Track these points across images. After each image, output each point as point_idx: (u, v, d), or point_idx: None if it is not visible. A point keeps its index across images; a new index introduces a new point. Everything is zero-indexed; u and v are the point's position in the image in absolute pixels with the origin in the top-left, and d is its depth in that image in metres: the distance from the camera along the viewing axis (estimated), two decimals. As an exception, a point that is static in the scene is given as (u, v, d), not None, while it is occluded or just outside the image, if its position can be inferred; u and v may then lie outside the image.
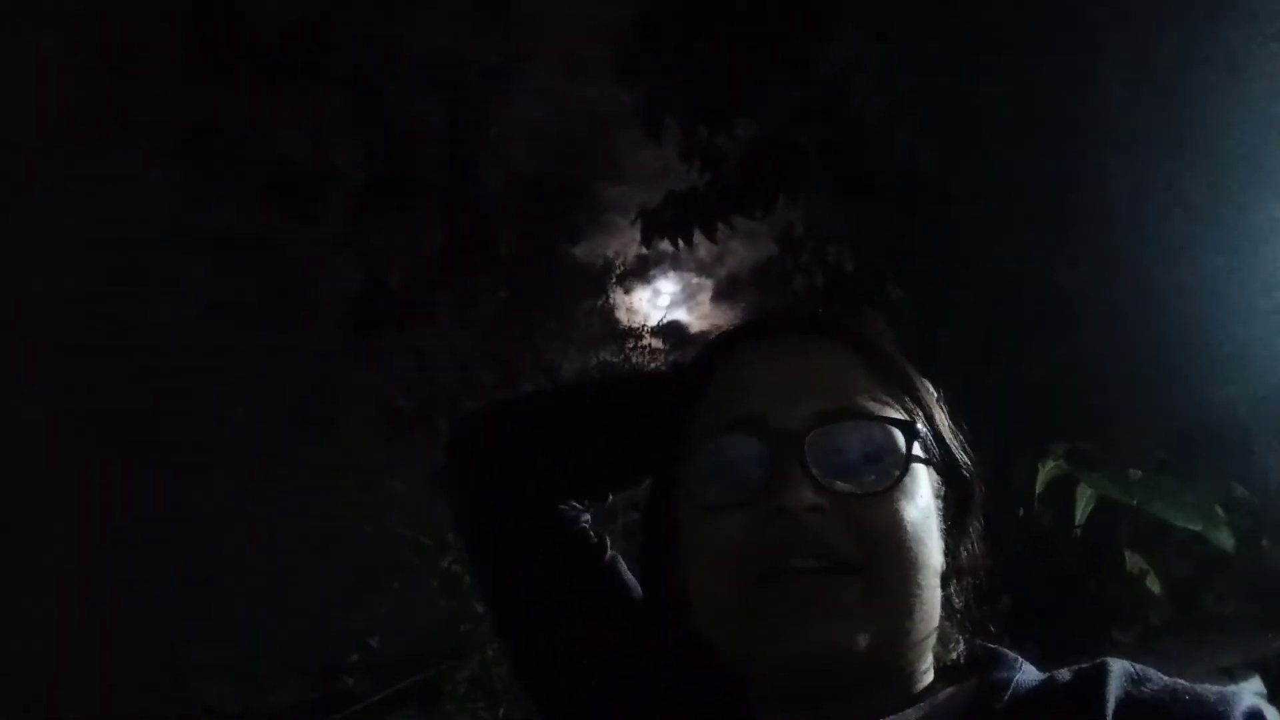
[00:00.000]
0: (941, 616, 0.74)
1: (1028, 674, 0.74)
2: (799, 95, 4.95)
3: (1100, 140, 3.62)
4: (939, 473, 0.76)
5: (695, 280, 12.36)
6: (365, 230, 10.57)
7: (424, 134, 10.57)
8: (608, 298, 11.79)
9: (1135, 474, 2.74)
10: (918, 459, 0.72)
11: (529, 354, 10.46)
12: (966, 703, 0.71)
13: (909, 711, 0.69)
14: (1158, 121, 3.44)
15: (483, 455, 0.89)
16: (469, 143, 10.76)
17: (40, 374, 11.36)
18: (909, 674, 0.72)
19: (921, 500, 0.71)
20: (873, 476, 0.69)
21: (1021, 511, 2.82)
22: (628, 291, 12.05)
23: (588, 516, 0.90)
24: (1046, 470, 2.78)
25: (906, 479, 0.70)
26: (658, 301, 12.51)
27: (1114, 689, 0.66)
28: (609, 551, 0.89)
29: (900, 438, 0.70)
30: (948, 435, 0.78)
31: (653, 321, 11.91)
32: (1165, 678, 0.69)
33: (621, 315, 11.98)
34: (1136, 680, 0.67)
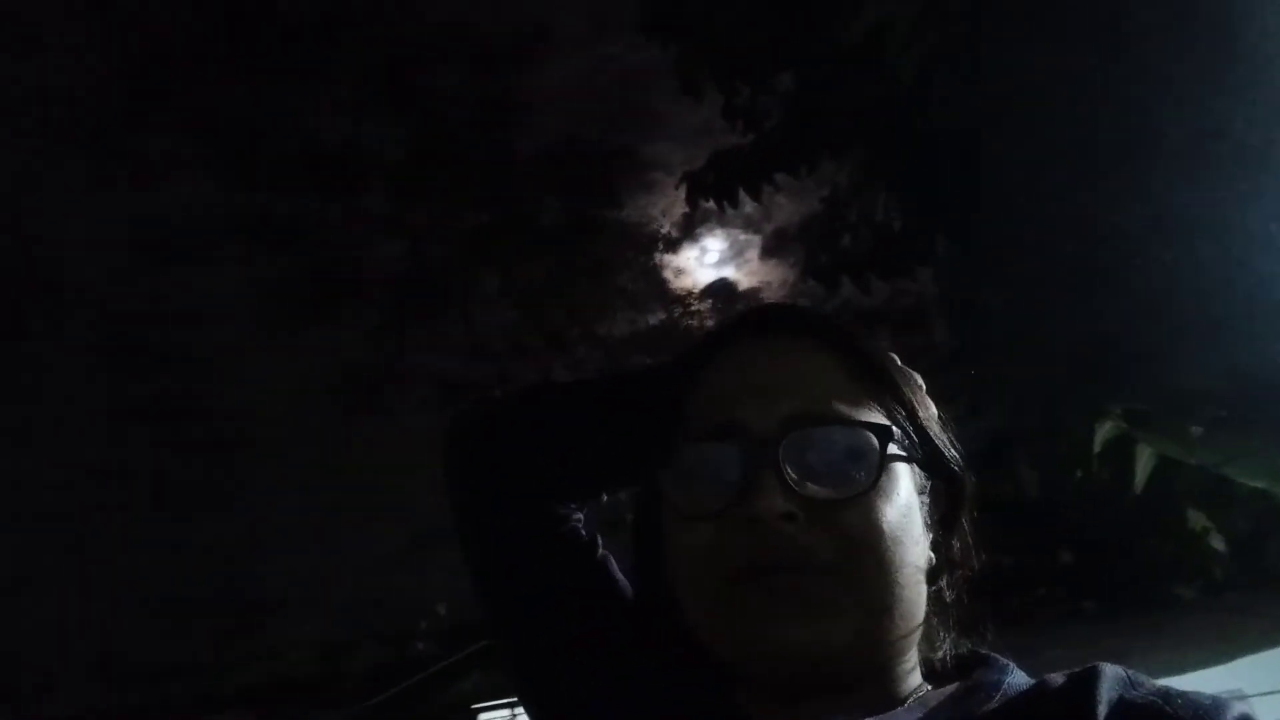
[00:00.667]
0: (929, 612, 0.73)
1: (1018, 677, 0.73)
2: (832, 53, 4.88)
3: (1148, 86, 3.53)
4: (923, 468, 0.74)
5: (743, 237, 12.19)
6: (405, 208, 10.60)
7: (456, 107, 10.52)
8: (654, 259, 11.68)
9: (1196, 430, 2.72)
10: (895, 457, 0.71)
11: (575, 323, 10.44)
12: (956, 704, 0.71)
13: (899, 711, 0.69)
14: (1207, 65, 3.35)
15: (481, 453, 0.90)
16: (501, 111, 10.69)
17: (94, 357, 11.66)
18: (893, 672, 0.72)
19: (900, 501, 0.70)
20: (848, 481, 0.68)
21: (1080, 473, 2.81)
22: (674, 251, 11.90)
23: (580, 515, 0.91)
24: (1105, 431, 2.77)
25: (883, 480, 0.69)
26: (705, 260, 12.26)
27: (1106, 692, 0.65)
28: (600, 550, 0.89)
29: (875, 441, 0.69)
30: (933, 429, 0.76)
31: (701, 282, 11.71)
32: (1157, 683, 0.68)
33: (669, 276, 11.82)
34: (1129, 684, 0.67)
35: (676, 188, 5.81)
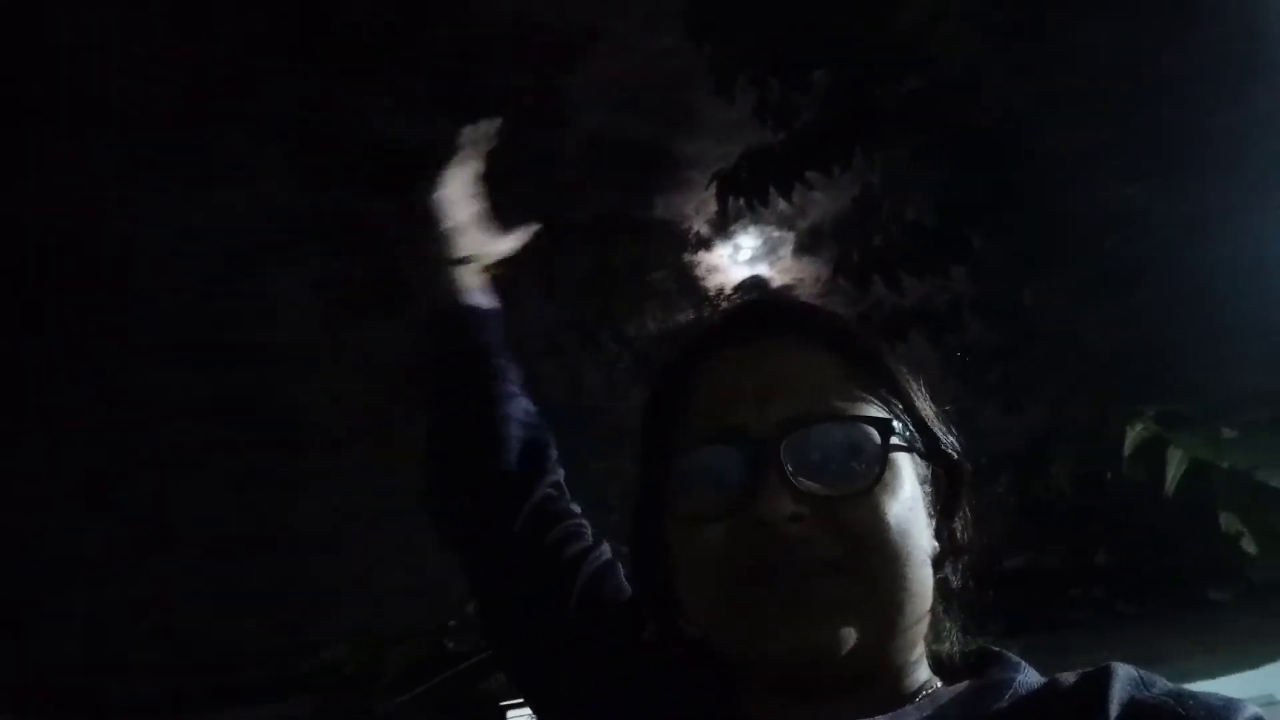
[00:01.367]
0: (936, 600, 0.73)
1: (1029, 675, 0.72)
2: (877, 46, 4.83)
3: (1198, 83, 3.45)
4: (924, 458, 0.74)
5: (776, 234, 12.07)
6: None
7: (510, 107, 10.64)
8: (687, 256, 11.58)
9: (1229, 433, 2.67)
10: (897, 448, 0.71)
11: (607, 321, 10.44)
12: (966, 702, 0.70)
13: (908, 709, 0.69)
14: (1260, 61, 3.27)
15: (462, 475, 0.93)
16: (549, 110, 10.76)
17: (173, 354, 12.11)
18: (901, 667, 0.72)
19: (904, 493, 0.70)
20: (850, 477, 0.68)
21: (1110, 475, 2.78)
22: (708, 249, 11.78)
23: (581, 521, 0.94)
24: (1136, 432, 2.73)
25: (886, 474, 0.69)
26: (738, 257, 12.19)
27: (1118, 693, 0.64)
28: (600, 550, 0.92)
29: (875, 435, 0.69)
30: (930, 419, 0.76)
31: (734, 279, 11.61)
32: (1170, 684, 0.67)
33: (702, 273, 11.73)
34: (1141, 684, 0.66)
35: (707, 187, 5.76)
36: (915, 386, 0.78)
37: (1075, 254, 3.90)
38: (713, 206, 5.76)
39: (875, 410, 0.72)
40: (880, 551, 0.67)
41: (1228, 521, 2.69)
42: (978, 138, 4.38)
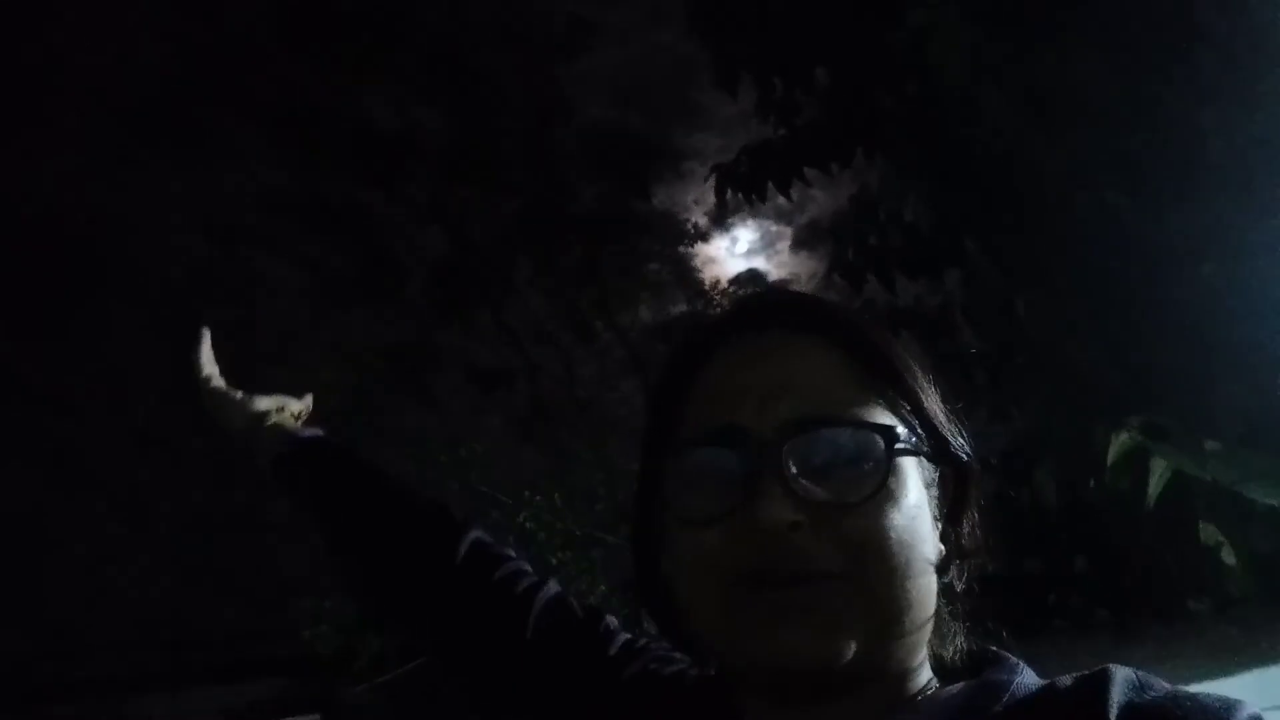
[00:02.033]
0: (940, 605, 0.72)
1: (1028, 677, 0.70)
2: (877, 52, 4.84)
3: (1193, 96, 3.47)
4: (930, 460, 0.72)
5: (774, 228, 12.08)
6: (447, 196, 10.69)
7: (505, 96, 10.56)
8: (685, 248, 11.56)
9: (1212, 446, 2.69)
10: (903, 453, 0.69)
11: (603, 311, 10.41)
12: (963, 704, 0.69)
13: (905, 713, 0.68)
14: (1251, 76, 3.29)
15: (387, 549, 0.96)
16: (547, 100, 10.69)
17: (153, 326, 11.98)
18: (901, 673, 0.71)
19: (908, 499, 0.68)
20: (853, 484, 0.66)
21: (1092, 482, 2.79)
22: (705, 241, 11.83)
23: (523, 563, 0.96)
24: (1120, 442, 2.74)
25: (891, 481, 0.67)
26: (735, 250, 12.19)
27: (1116, 695, 0.64)
28: (549, 585, 0.94)
29: (881, 440, 0.68)
30: (939, 419, 0.74)
31: (730, 272, 11.58)
32: (1168, 685, 0.65)
33: (699, 265, 11.75)
34: (1139, 687, 0.65)
35: (706, 179, 5.80)
36: (926, 385, 0.75)
37: (1067, 266, 3.91)
38: (711, 199, 5.77)
39: (883, 413, 0.70)
40: (882, 561, 0.66)
41: (1207, 533, 2.72)
42: (973, 147, 4.40)
